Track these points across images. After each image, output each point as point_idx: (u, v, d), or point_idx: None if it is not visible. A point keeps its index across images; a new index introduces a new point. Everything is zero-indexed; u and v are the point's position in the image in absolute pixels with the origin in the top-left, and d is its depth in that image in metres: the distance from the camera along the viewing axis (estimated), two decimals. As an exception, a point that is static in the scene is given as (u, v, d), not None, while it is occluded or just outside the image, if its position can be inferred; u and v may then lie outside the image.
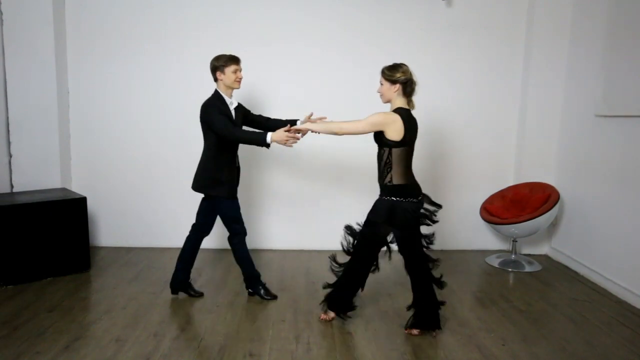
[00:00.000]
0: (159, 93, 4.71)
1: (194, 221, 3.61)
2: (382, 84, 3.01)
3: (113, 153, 4.78)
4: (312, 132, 3.16)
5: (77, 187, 4.71)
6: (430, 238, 3.13)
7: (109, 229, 4.85)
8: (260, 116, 3.67)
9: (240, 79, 3.40)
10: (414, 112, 3.03)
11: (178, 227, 4.81)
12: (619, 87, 3.83)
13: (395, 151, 2.92)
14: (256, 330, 3.15)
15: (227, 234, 3.59)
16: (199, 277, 4.05)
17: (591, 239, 4.18)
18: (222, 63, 3.34)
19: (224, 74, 3.35)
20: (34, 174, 4.52)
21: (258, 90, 4.59)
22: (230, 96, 3.43)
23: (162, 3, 4.62)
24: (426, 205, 3.13)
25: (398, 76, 2.94)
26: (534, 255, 4.78)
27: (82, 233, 4.14)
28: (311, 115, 3.53)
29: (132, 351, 2.85)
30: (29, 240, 3.89)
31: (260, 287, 3.63)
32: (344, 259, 3.22)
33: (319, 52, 4.66)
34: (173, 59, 4.67)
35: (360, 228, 3.12)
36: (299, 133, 3.18)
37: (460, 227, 4.90)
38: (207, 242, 4.80)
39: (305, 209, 4.82)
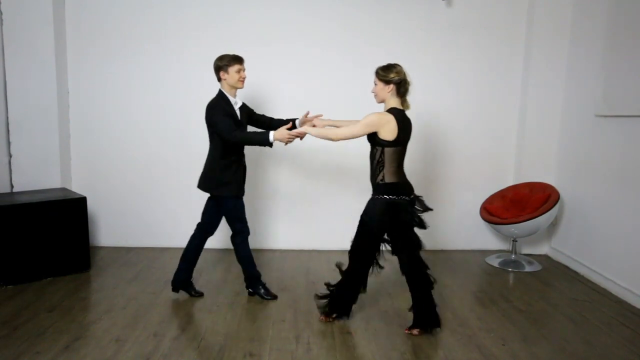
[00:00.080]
0: (159, 93, 4.71)
1: (194, 220, 3.61)
2: (376, 84, 3.04)
3: (113, 153, 4.78)
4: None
5: (77, 187, 4.71)
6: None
7: (109, 229, 4.85)
8: (263, 116, 3.69)
9: (244, 78, 3.42)
10: (408, 112, 3.04)
11: (178, 227, 4.83)
12: (619, 87, 3.83)
13: (388, 150, 2.94)
14: (256, 330, 3.15)
15: (227, 234, 3.59)
16: (199, 277, 4.05)
17: (591, 239, 4.18)
18: (225, 63, 3.35)
19: (228, 73, 3.35)
20: (34, 174, 4.52)
21: (258, 91, 4.59)
22: (235, 96, 3.44)
23: (162, 3, 4.62)
24: (417, 207, 3.12)
25: (392, 76, 2.96)
26: (534, 255, 4.78)
27: (82, 233, 4.14)
28: (307, 114, 3.54)
29: (132, 351, 2.85)
30: (29, 240, 3.89)
31: (261, 287, 3.63)
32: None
33: (319, 52, 4.66)
34: (173, 59, 4.67)
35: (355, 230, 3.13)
36: (298, 136, 3.21)
37: (460, 227, 4.90)
38: (208, 242, 4.82)
39: (305, 209, 4.82)
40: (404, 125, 2.96)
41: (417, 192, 3.11)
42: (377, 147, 2.97)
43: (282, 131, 3.18)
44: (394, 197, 2.97)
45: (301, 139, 3.24)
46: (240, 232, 3.51)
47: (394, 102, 3.00)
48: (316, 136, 3.09)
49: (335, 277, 3.28)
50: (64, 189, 4.47)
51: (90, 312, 3.40)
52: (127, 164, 4.78)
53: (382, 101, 3.05)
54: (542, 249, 4.86)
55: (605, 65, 3.99)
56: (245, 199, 3.54)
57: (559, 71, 4.60)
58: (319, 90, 4.63)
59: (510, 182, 4.82)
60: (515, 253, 4.57)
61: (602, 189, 4.04)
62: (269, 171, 4.78)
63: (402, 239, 3.04)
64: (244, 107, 3.52)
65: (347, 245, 3.16)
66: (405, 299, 3.42)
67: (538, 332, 3.17)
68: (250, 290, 3.66)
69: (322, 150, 4.64)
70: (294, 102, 4.47)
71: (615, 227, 3.88)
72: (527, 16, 4.67)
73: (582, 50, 4.37)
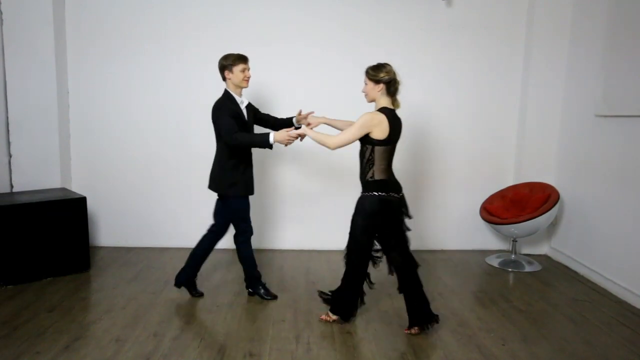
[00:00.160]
0: (159, 93, 4.71)
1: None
2: (366, 84, 3.07)
3: (113, 153, 4.78)
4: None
5: (77, 187, 4.71)
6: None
7: (109, 229, 4.85)
8: (268, 115, 3.71)
9: (249, 77, 3.42)
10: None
11: (178, 227, 4.84)
12: (619, 87, 3.83)
13: (378, 149, 2.97)
14: (256, 330, 3.15)
15: (230, 233, 3.59)
16: (199, 276, 4.04)
17: (591, 239, 4.18)
18: (230, 62, 3.35)
19: (232, 73, 3.36)
20: (34, 174, 4.52)
21: (258, 91, 4.59)
22: (240, 95, 3.45)
23: (162, 3, 4.62)
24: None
25: (382, 76, 2.98)
26: (534, 255, 4.78)
27: (82, 233, 4.14)
28: (300, 112, 3.58)
29: (132, 351, 2.85)
30: (29, 240, 3.89)
31: (261, 287, 3.63)
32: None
33: (319, 52, 4.66)
34: (173, 59, 4.67)
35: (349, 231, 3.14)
36: (298, 137, 3.22)
37: (460, 227, 4.90)
38: (207, 242, 4.82)
39: (305, 209, 4.82)
40: (395, 125, 3.00)
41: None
42: (367, 146, 3.00)
43: (282, 133, 3.20)
44: (384, 194, 2.99)
45: (301, 139, 3.25)
46: (244, 231, 3.51)
47: (385, 102, 3.03)
48: (314, 140, 3.10)
49: (335, 277, 3.28)
50: (64, 189, 4.47)
51: (90, 312, 3.40)
52: (127, 164, 4.78)
53: (373, 100, 3.09)
54: (542, 249, 4.86)
55: (605, 65, 4.00)
56: (245, 199, 3.54)
57: (559, 71, 4.60)
58: (319, 90, 4.63)
59: (510, 182, 4.82)
60: (515, 253, 4.57)
61: (602, 189, 4.04)
62: (269, 171, 4.78)
63: (395, 237, 3.06)
64: (249, 107, 3.53)
65: (347, 246, 3.17)
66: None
67: (538, 332, 3.17)
68: (250, 290, 3.66)
69: (322, 150, 4.62)
70: (294, 102, 4.44)
71: (615, 227, 3.88)
72: (527, 16, 4.67)
73: (582, 50, 4.37)
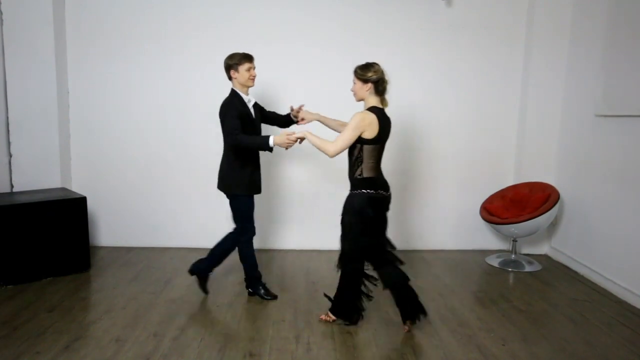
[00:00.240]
0: (159, 93, 4.71)
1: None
2: (354, 83, 3.09)
3: (113, 153, 4.78)
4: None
5: (77, 187, 4.71)
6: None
7: (109, 229, 4.85)
8: (274, 113, 3.74)
9: (254, 77, 3.44)
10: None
11: (178, 227, 4.84)
12: (619, 87, 3.83)
13: (367, 148, 3.00)
14: (256, 330, 3.15)
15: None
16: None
17: (591, 239, 4.18)
18: (235, 61, 3.36)
19: (238, 72, 3.37)
20: (34, 174, 4.52)
21: (258, 91, 4.58)
22: (247, 94, 3.46)
23: (162, 3, 4.62)
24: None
25: (369, 75, 3.01)
26: (534, 255, 4.78)
27: (82, 233, 4.14)
28: (292, 108, 3.63)
29: (132, 351, 2.85)
30: (29, 240, 3.89)
31: (261, 287, 3.63)
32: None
33: (319, 52, 4.66)
34: (173, 59, 4.67)
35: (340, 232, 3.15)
36: (297, 141, 3.23)
37: (460, 227, 4.90)
38: (208, 242, 4.81)
39: (305, 209, 4.82)
40: (384, 124, 3.03)
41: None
42: (355, 144, 3.02)
43: (282, 136, 3.20)
44: (372, 191, 3.01)
45: (300, 143, 3.25)
46: (247, 231, 3.51)
47: (374, 101, 3.06)
48: (313, 145, 3.10)
49: (335, 277, 3.27)
50: (64, 189, 4.47)
51: (90, 312, 3.40)
52: (127, 164, 4.78)
53: (361, 99, 3.12)
54: (542, 249, 4.86)
55: (605, 65, 3.99)
56: (245, 199, 3.54)
57: (559, 71, 4.60)
58: (319, 90, 4.62)
59: (510, 182, 4.82)
60: (515, 253, 4.57)
61: (602, 189, 4.04)
62: (269, 171, 4.78)
63: (379, 234, 3.09)
64: (256, 106, 3.55)
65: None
66: (405, 299, 3.44)
67: (538, 332, 3.17)
68: (250, 290, 3.66)
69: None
70: (294, 102, 4.45)
71: (615, 227, 3.88)
72: (527, 16, 4.67)
73: (582, 50, 4.37)
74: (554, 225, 4.71)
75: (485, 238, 4.94)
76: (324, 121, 3.53)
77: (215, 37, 4.58)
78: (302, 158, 4.72)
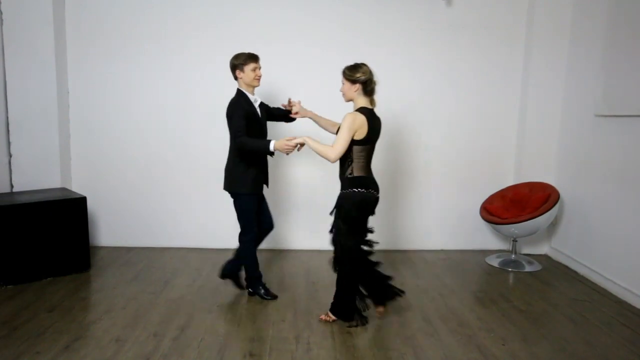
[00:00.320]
0: (159, 93, 4.71)
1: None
2: (343, 84, 3.13)
3: (113, 153, 4.78)
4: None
5: (77, 187, 4.71)
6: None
7: (109, 229, 4.85)
8: (278, 109, 3.75)
9: (260, 76, 3.46)
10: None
11: (178, 227, 4.84)
12: (619, 87, 3.83)
13: (357, 148, 3.04)
14: (256, 330, 3.15)
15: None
16: (199, 276, 4.06)
17: (591, 239, 4.18)
18: (241, 61, 3.38)
19: (244, 72, 3.39)
20: (34, 174, 4.52)
21: (258, 90, 4.58)
22: (253, 93, 3.48)
23: (162, 3, 4.62)
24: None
25: (358, 76, 3.04)
26: (534, 255, 4.78)
27: (82, 233, 4.14)
28: (285, 106, 3.68)
29: (132, 351, 2.85)
30: (29, 240, 3.89)
31: (261, 287, 3.63)
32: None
33: (319, 52, 4.66)
34: (173, 59, 4.67)
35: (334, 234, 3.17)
36: (297, 147, 3.23)
37: (460, 227, 4.90)
38: (208, 242, 4.82)
39: (305, 208, 4.82)
40: (374, 125, 3.07)
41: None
42: None
43: (282, 141, 3.21)
44: (363, 190, 3.04)
45: (299, 149, 3.26)
46: (249, 231, 3.51)
47: (363, 101, 3.09)
48: (313, 150, 3.11)
49: (335, 277, 3.27)
50: (64, 189, 4.47)
51: (90, 312, 3.40)
52: (127, 164, 4.78)
53: (350, 100, 3.15)
54: (542, 249, 4.86)
55: (605, 65, 3.99)
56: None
57: (559, 71, 4.60)
58: (319, 90, 4.61)
59: (510, 182, 4.82)
60: (515, 253, 4.57)
61: (602, 189, 4.04)
62: (269, 172, 4.77)
63: (363, 231, 3.16)
64: (262, 105, 3.57)
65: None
66: (404, 299, 3.44)
67: (538, 332, 3.17)
68: (250, 290, 3.66)
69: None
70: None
71: (615, 227, 3.88)
72: (527, 16, 4.67)
73: (582, 50, 4.37)
74: (554, 225, 4.71)
75: (485, 238, 4.94)
76: (316, 119, 3.58)
77: (215, 37, 4.58)
78: (302, 158, 4.72)
